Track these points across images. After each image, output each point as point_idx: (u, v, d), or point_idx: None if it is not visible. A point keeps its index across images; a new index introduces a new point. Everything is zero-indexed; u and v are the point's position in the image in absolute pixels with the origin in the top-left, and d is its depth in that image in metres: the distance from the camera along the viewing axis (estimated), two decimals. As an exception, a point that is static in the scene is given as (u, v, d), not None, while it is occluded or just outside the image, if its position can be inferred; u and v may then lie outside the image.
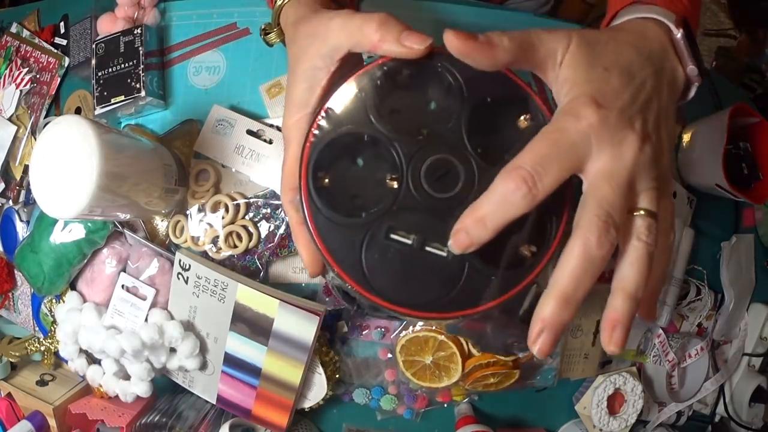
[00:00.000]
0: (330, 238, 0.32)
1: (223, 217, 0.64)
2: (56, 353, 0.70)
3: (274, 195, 0.64)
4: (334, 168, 0.33)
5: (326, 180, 0.33)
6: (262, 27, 0.48)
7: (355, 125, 0.33)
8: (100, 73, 0.66)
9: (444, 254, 0.31)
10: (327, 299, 0.64)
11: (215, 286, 0.61)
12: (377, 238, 0.31)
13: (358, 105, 0.33)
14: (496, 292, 0.31)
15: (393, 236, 0.31)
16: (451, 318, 0.32)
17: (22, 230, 0.73)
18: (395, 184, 0.32)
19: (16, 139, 0.75)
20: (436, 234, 0.31)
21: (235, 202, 0.64)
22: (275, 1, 0.44)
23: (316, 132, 0.33)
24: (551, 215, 0.32)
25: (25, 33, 0.76)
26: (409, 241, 0.31)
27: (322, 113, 0.33)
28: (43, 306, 0.71)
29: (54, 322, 0.68)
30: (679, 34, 0.38)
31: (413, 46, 0.32)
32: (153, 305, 0.64)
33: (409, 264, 0.31)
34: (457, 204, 0.31)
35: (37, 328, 0.73)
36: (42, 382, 0.71)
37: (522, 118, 0.33)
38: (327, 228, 0.32)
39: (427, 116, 0.33)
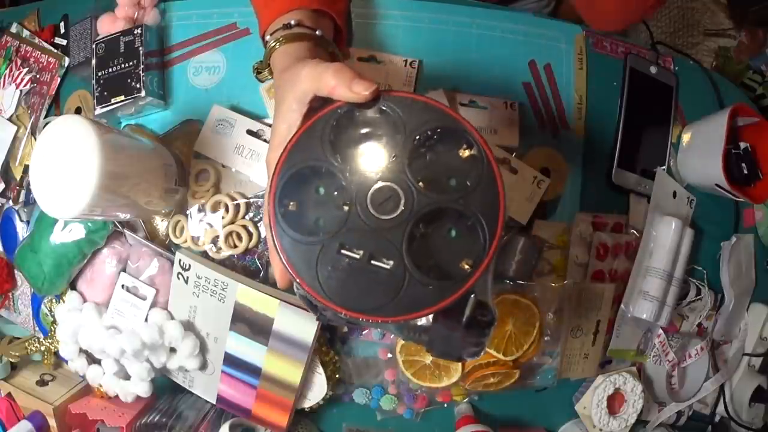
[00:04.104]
0: (293, 254, 0.37)
1: (223, 217, 0.64)
2: (56, 353, 0.70)
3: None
4: (298, 195, 0.38)
5: (292, 206, 0.38)
6: (255, 66, 0.54)
7: (313, 159, 0.38)
8: (100, 73, 0.66)
9: (388, 267, 0.36)
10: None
11: (215, 286, 0.61)
12: (331, 253, 0.37)
13: (316, 142, 0.38)
14: (434, 300, 0.36)
15: (344, 252, 0.37)
16: (394, 321, 0.36)
17: (22, 230, 0.73)
18: (347, 209, 0.37)
19: (16, 139, 0.75)
20: (381, 250, 0.36)
21: (235, 202, 0.64)
22: (266, 44, 0.50)
23: (283, 166, 0.38)
24: (485, 237, 0.36)
25: (25, 33, 0.76)
26: (357, 256, 0.36)
27: (289, 150, 0.39)
28: (43, 306, 0.71)
29: (54, 322, 0.68)
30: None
31: (360, 92, 0.38)
32: (153, 305, 0.64)
33: (359, 275, 0.36)
34: (399, 224, 0.36)
35: (37, 328, 0.73)
36: (42, 382, 0.71)
37: (463, 147, 0.38)
38: (291, 246, 0.37)
39: (375, 149, 0.38)
